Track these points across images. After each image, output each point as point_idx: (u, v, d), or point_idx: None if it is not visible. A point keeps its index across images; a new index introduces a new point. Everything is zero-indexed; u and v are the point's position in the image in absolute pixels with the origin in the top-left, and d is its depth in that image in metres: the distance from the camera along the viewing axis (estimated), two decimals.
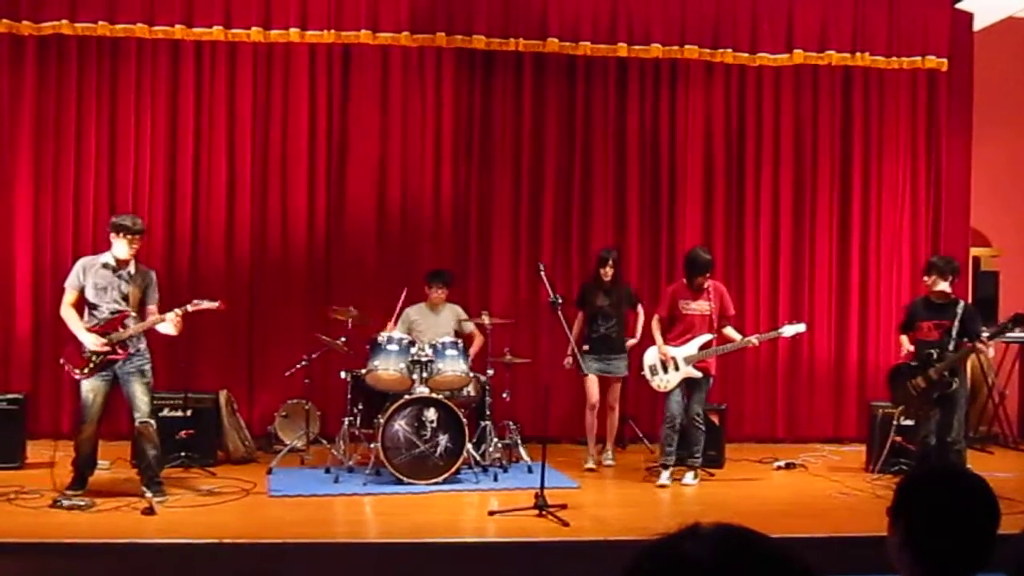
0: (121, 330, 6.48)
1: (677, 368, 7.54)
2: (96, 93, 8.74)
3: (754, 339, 7.63)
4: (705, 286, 7.60)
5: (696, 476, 7.50)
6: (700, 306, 7.59)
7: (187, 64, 8.82)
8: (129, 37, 8.72)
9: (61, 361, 6.65)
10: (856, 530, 5.95)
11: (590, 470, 7.85)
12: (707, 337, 7.55)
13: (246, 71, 8.88)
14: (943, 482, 2.22)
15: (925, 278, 7.42)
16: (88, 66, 8.73)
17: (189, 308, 6.55)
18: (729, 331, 7.66)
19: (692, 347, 7.54)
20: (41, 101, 8.69)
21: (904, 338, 7.57)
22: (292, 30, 8.85)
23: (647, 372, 7.67)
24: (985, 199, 9.76)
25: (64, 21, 8.62)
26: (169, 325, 6.51)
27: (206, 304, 6.63)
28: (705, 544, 1.28)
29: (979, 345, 7.12)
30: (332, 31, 8.89)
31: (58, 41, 8.68)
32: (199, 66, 8.85)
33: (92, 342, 6.43)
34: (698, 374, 7.52)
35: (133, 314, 6.54)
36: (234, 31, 8.81)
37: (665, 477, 7.43)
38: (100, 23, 8.65)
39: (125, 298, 6.55)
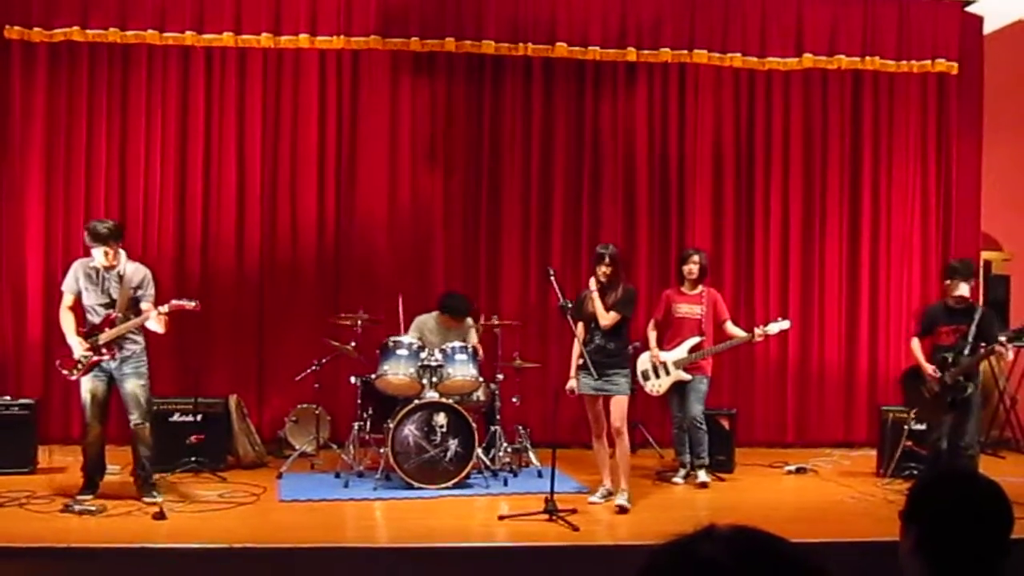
0: (108, 331, 6.50)
1: (668, 372, 7.66)
2: (107, 99, 8.78)
3: (734, 341, 7.68)
4: (698, 290, 7.67)
5: (708, 474, 7.58)
6: (691, 309, 7.69)
7: (197, 70, 8.85)
8: (140, 44, 8.75)
9: (57, 363, 6.71)
10: (867, 535, 5.93)
11: (594, 504, 6.79)
12: (696, 340, 7.63)
13: (256, 77, 8.90)
14: (957, 486, 2.19)
15: (948, 281, 7.24)
16: (99, 73, 8.77)
17: (164, 308, 6.53)
18: (729, 328, 7.76)
19: (681, 350, 7.65)
20: (52, 107, 8.73)
21: (916, 344, 7.38)
22: (302, 36, 8.87)
23: (640, 377, 7.76)
24: (996, 203, 9.73)
25: (75, 28, 8.66)
26: (155, 323, 6.56)
27: (183, 303, 6.60)
28: (722, 545, 1.29)
29: (999, 348, 6.93)
30: (341, 37, 8.91)
31: (69, 48, 8.72)
32: (209, 72, 8.88)
33: (75, 345, 6.49)
34: (688, 377, 7.62)
35: (121, 315, 6.55)
36: (244, 37, 8.84)
37: (679, 476, 7.66)
38: (111, 30, 8.70)
39: (114, 299, 6.57)
